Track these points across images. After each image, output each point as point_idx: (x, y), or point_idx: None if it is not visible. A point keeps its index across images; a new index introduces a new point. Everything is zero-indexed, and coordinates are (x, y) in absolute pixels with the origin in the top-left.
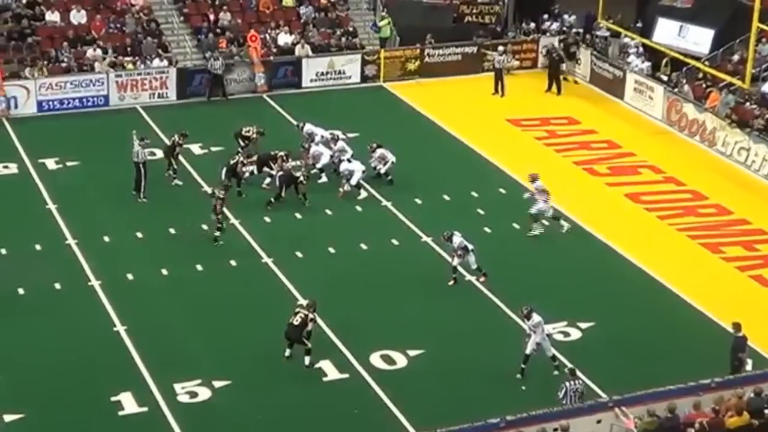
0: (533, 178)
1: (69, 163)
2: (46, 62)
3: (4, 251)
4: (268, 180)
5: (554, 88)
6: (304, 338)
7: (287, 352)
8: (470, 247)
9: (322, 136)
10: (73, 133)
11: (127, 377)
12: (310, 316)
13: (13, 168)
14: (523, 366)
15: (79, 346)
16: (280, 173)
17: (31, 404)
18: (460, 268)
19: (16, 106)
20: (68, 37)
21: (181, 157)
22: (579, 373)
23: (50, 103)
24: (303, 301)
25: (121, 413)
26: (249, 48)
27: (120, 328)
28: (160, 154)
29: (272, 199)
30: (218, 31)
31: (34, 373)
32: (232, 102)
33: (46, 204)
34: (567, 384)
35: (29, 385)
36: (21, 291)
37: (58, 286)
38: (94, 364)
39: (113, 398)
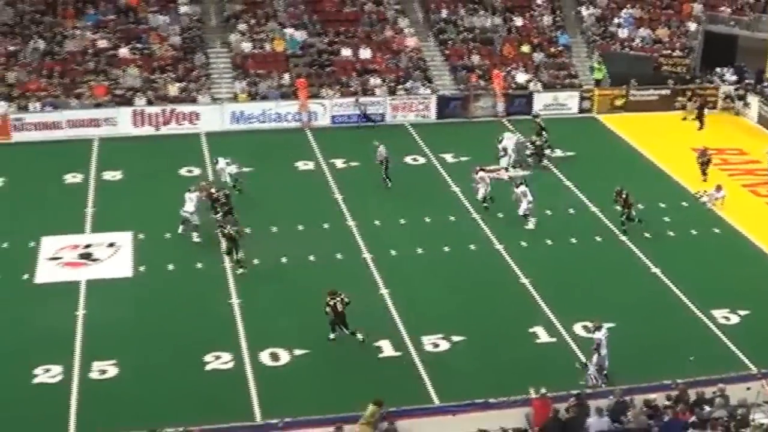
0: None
1: (352, 164)
2: (339, 86)
3: (300, 227)
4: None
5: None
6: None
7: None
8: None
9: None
10: (357, 141)
11: (386, 328)
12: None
13: (311, 165)
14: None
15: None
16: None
17: (314, 343)
18: None
19: (315, 119)
20: (356, 68)
21: (437, 164)
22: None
23: (340, 117)
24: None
25: (380, 356)
26: (493, 82)
27: (384, 291)
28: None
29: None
30: (470, 68)
31: (317, 318)
32: (477, 123)
33: (333, 193)
34: None
35: (313, 328)
36: (311, 258)
37: (339, 256)
38: (360, 315)
39: (375, 344)
